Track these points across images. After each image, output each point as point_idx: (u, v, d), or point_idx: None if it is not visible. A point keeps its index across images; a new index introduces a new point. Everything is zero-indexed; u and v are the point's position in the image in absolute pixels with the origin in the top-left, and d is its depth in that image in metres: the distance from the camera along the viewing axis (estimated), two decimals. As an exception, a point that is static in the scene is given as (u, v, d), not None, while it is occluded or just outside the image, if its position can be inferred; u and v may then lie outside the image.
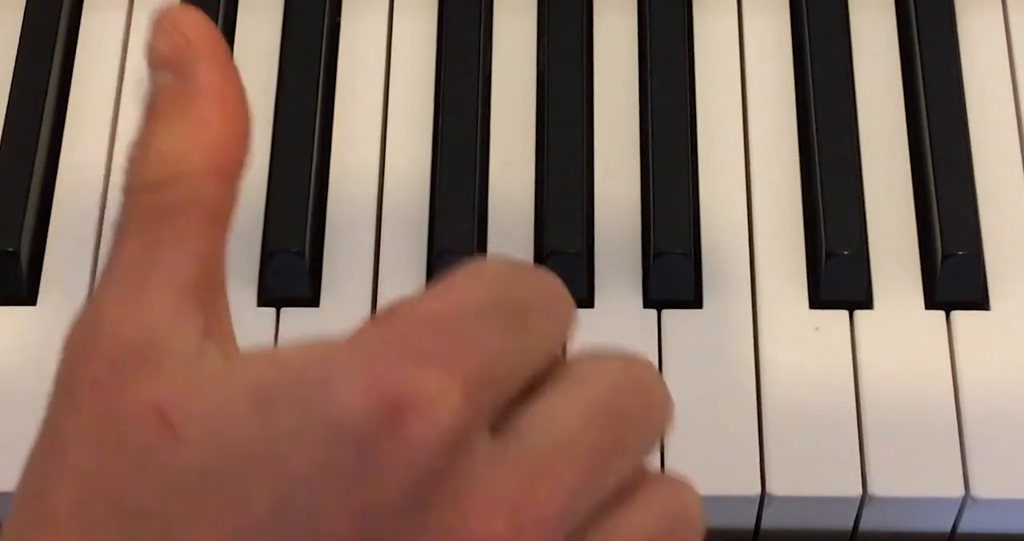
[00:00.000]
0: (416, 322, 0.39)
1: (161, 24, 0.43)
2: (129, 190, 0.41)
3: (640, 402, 0.41)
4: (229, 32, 0.69)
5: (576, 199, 0.63)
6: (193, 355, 0.39)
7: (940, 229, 0.62)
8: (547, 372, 0.41)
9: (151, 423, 0.37)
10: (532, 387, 0.40)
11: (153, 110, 0.42)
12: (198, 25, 0.43)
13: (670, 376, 0.60)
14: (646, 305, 0.62)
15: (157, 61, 0.42)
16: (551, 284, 0.42)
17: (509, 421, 0.39)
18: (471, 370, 0.38)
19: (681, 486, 0.43)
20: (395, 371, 0.37)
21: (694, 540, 0.43)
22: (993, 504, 0.59)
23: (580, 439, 0.40)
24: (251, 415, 0.37)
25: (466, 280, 0.40)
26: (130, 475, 0.37)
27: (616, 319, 0.62)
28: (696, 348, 0.61)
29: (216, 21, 0.68)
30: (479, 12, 0.68)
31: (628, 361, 0.42)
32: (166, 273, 0.40)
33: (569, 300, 0.42)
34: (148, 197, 0.41)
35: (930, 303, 0.62)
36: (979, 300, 0.63)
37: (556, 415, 0.40)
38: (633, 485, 0.42)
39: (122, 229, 0.41)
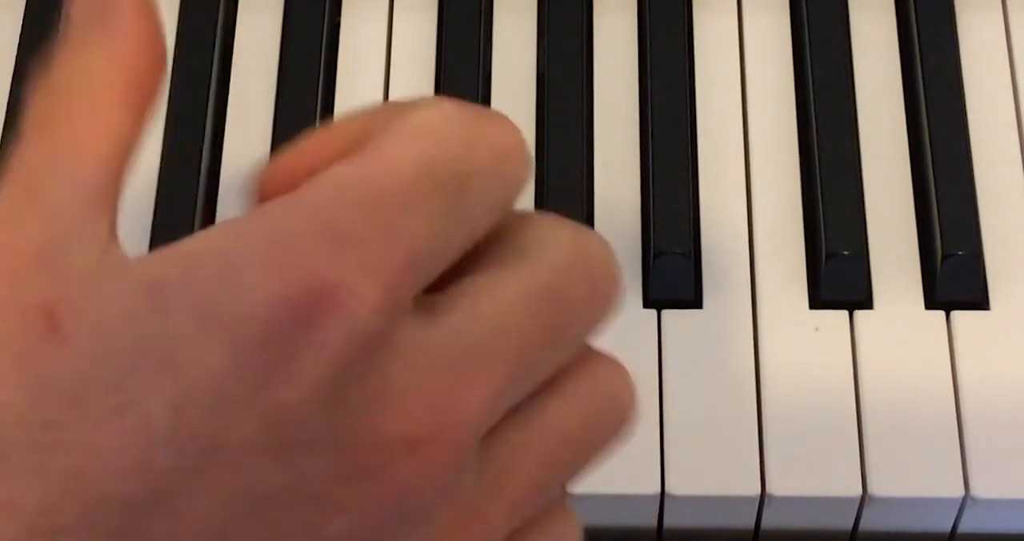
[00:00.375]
0: (338, 197, 0.34)
1: None
2: (31, 98, 0.36)
3: (586, 289, 0.38)
4: (229, 32, 0.69)
5: (577, 199, 0.63)
6: (96, 260, 0.34)
7: (940, 229, 0.62)
8: (491, 234, 0.37)
9: (36, 326, 0.33)
10: (473, 251, 0.36)
11: (68, 32, 0.37)
12: None
13: (670, 376, 0.60)
14: (646, 305, 0.62)
15: None
16: (501, 135, 0.37)
17: (441, 297, 0.36)
18: (395, 259, 0.34)
19: (614, 368, 0.40)
20: (307, 258, 0.33)
21: (622, 426, 0.40)
22: (993, 504, 0.59)
23: (514, 333, 0.36)
24: (144, 312, 0.33)
25: (402, 139, 0.36)
26: (4, 382, 0.33)
27: (616, 319, 0.62)
28: (696, 348, 0.61)
29: (216, 21, 0.68)
30: (479, 12, 0.68)
31: (578, 236, 0.38)
32: (75, 163, 0.35)
33: (521, 150, 0.38)
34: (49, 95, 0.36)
35: (930, 303, 0.62)
36: (979, 300, 0.63)
37: (491, 301, 0.36)
38: (564, 371, 0.38)
39: (25, 125, 0.36)
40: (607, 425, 0.40)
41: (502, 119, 0.38)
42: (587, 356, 0.40)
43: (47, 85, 0.36)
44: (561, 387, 0.39)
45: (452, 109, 0.37)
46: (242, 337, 0.33)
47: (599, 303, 0.38)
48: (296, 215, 0.34)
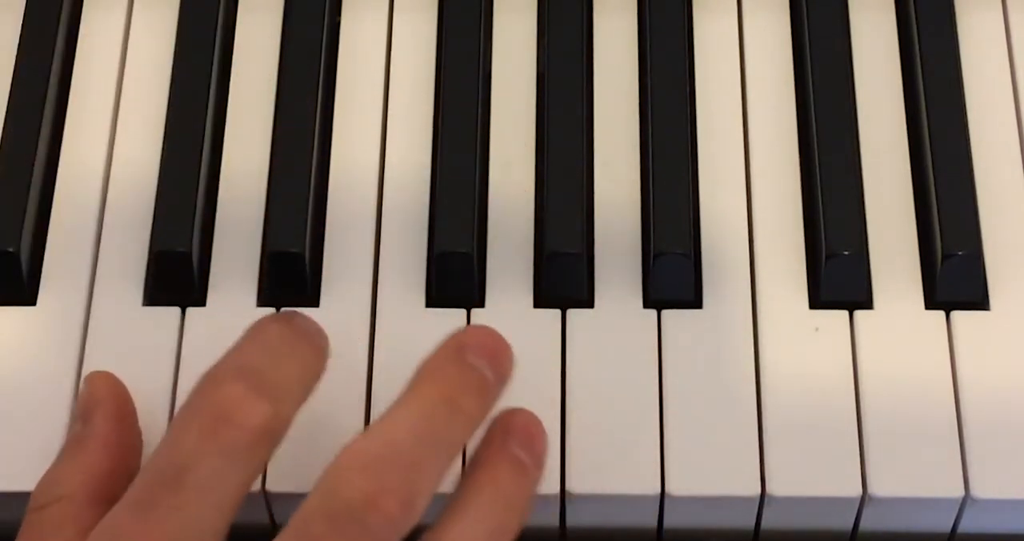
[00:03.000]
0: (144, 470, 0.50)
1: (83, 383, 0.58)
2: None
3: (360, 492, 0.49)
4: (229, 32, 0.69)
5: (576, 199, 0.63)
6: None
7: (940, 229, 0.62)
8: None
9: None
10: None
11: (62, 450, 0.55)
12: (105, 383, 0.57)
13: (670, 376, 0.60)
14: (646, 305, 0.62)
15: (76, 412, 0.57)
16: (210, 408, 0.50)
17: None
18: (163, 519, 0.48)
19: (514, 469, 0.52)
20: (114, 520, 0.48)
21: (520, 521, 0.52)
22: (993, 504, 0.59)
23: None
24: None
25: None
26: None
27: (616, 319, 0.62)
28: (696, 348, 0.61)
29: (216, 21, 0.68)
30: (479, 12, 0.68)
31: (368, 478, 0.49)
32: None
33: (236, 412, 0.50)
34: (34, 514, 0.53)
35: (930, 303, 0.62)
36: (979, 300, 0.63)
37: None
38: (467, 479, 0.52)
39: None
40: (509, 524, 0.51)
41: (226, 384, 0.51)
42: (489, 458, 0.52)
43: (43, 483, 0.54)
44: (464, 498, 0.51)
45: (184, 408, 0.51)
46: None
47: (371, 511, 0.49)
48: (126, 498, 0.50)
